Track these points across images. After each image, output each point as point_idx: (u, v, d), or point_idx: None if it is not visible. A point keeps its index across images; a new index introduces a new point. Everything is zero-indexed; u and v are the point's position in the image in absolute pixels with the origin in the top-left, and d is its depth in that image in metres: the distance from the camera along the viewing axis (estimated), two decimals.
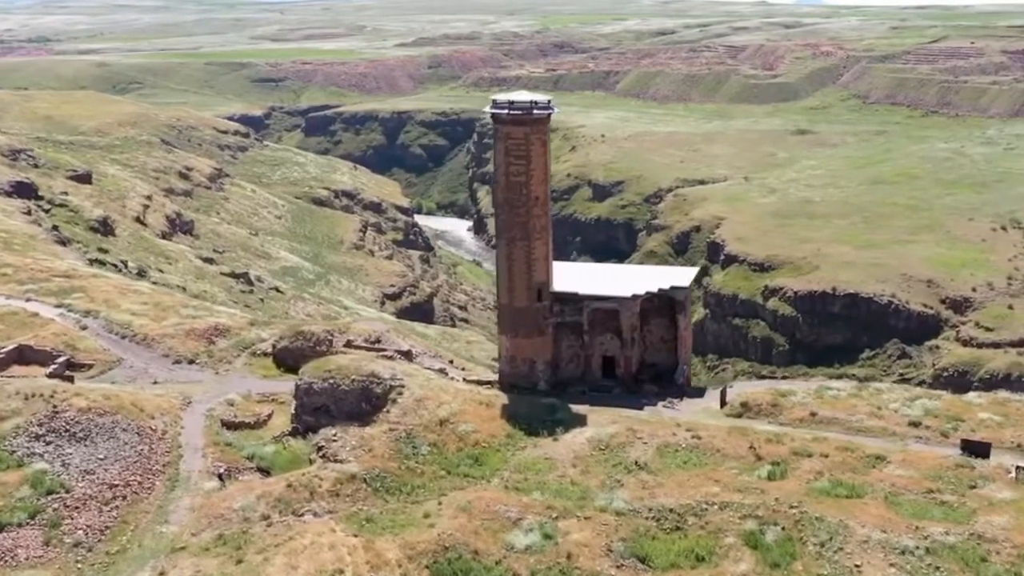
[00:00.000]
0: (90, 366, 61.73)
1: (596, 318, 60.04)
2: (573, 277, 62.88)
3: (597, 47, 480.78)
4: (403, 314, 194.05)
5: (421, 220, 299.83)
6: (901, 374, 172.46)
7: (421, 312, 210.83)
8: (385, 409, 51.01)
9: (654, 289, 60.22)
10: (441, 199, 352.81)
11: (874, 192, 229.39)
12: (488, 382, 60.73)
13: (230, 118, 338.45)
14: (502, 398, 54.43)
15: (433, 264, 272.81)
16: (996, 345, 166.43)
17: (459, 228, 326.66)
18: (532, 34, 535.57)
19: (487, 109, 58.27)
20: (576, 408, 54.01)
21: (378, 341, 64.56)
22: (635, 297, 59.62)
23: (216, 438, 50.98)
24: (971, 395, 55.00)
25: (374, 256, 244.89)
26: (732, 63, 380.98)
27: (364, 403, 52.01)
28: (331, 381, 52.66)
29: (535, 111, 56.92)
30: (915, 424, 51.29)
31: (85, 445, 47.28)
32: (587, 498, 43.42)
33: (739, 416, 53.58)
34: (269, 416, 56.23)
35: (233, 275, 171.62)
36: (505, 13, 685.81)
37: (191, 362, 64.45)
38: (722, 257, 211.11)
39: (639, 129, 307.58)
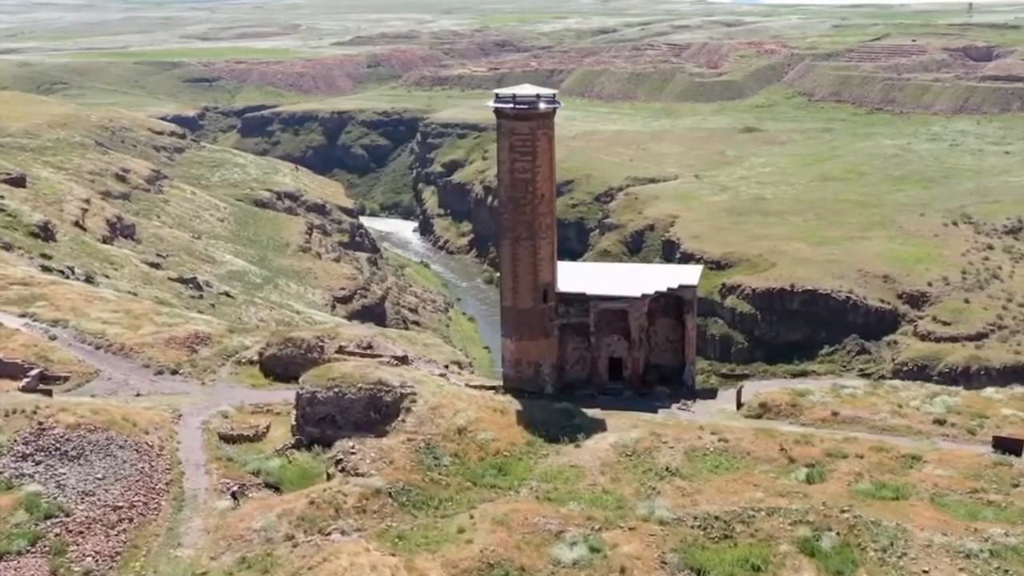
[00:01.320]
0: (66, 378, 58.30)
1: (603, 319, 58.54)
2: (575, 277, 61.23)
3: (539, 46, 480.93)
4: (355, 317, 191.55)
5: (365, 222, 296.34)
6: (861, 369, 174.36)
7: (373, 315, 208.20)
8: (400, 418, 48.80)
9: (663, 288, 58.93)
10: (385, 200, 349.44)
11: (825, 189, 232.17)
12: (491, 387, 58.76)
13: (163, 119, 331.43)
14: (515, 404, 52.62)
15: (381, 266, 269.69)
16: (954, 339, 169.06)
17: (404, 229, 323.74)
18: (472, 33, 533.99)
19: (490, 104, 56.36)
20: (590, 413, 52.30)
21: (370, 347, 62.23)
22: (645, 297, 58.21)
23: (217, 453, 48.25)
24: (989, 391, 54.72)
25: (321, 259, 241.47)
26: (676, 61, 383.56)
27: (373, 412, 49.76)
28: (336, 390, 50.28)
29: (542, 105, 55.11)
30: (940, 422, 50.71)
31: (79, 464, 44.18)
32: (624, 507, 41.79)
33: (758, 417, 52.49)
34: (267, 428, 53.51)
35: (181, 280, 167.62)
36: (442, 12, 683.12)
37: (174, 372, 61.38)
38: (678, 255, 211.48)
39: (586, 128, 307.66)
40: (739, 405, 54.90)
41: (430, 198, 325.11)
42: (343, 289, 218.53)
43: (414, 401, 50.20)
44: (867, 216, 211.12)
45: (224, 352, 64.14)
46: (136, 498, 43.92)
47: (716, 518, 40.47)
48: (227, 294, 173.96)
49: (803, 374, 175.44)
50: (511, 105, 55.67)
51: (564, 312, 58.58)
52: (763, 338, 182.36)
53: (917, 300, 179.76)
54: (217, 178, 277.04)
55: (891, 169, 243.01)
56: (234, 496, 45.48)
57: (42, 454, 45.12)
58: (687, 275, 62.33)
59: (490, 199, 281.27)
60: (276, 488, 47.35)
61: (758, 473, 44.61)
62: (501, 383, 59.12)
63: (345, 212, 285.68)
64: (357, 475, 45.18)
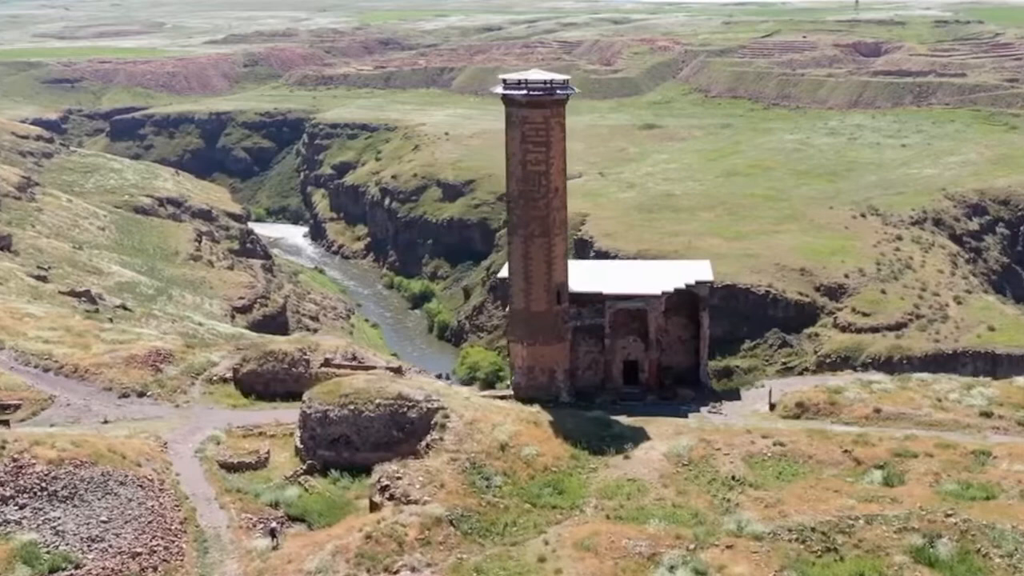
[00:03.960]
0: (17, 406, 51.77)
1: (619, 320, 55.64)
2: (584, 276, 58.04)
3: (424, 43, 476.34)
4: (256, 327, 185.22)
5: (253, 227, 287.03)
6: (784, 363, 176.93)
7: (275, 324, 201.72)
8: (434, 436, 44.73)
9: (681, 285, 56.35)
10: (271, 205, 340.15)
11: (732, 184, 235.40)
12: (502, 396, 55.04)
13: (22, 122, 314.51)
14: (544, 415, 48.99)
15: (276, 274, 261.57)
16: (874, 330, 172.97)
17: (294, 235, 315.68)
18: (353, 31, 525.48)
19: (497, 90, 52.50)
20: (625, 421, 49.20)
21: (354, 357, 57.63)
22: (664, 295, 55.49)
23: (226, 485, 43.19)
24: (1020, 380, 53.94)
25: (214, 267, 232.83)
26: (569, 59, 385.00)
27: (395, 430, 45.74)
28: (351, 407, 46.02)
29: (557, 91, 51.63)
30: (987, 415, 49.80)
31: (75, 505, 38.59)
32: (704, 522, 39.02)
33: (797, 418, 50.68)
34: (268, 453, 48.40)
35: (73, 293, 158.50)
36: (317, 10, 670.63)
37: (141, 395, 55.77)
38: (592, 253, 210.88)
39: (484, 126, 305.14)
40: (771, 406, 52.73)
41: (321, 201, 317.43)
42: (242, 298, 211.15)
43: (447, 416, 46.28)
44: (777, 210, 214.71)
45: (191, 370, 58.68)
46: (154, 541, 38.60)
47: (812, 530, 38.11)
48: (124, 307, 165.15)
49: (727, 370, 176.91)
50: (523, 91, 52.00)
51: (575, 314, 55.32)
52: None
53: (835, 292, 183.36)
54: (92, 184, 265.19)
55: (794, 163, 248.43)
56: (272, 534, 40.41)
57: (25, 496, 39.26)
58: (699, 271, 59.98)
59: (387, 201, 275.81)
60: (301, 520, 42.44)
61: (831, 478, 42.37)
62: (511, 392, 55.51)
63: (233, 218, 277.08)
64: (409, 502, 40.91)
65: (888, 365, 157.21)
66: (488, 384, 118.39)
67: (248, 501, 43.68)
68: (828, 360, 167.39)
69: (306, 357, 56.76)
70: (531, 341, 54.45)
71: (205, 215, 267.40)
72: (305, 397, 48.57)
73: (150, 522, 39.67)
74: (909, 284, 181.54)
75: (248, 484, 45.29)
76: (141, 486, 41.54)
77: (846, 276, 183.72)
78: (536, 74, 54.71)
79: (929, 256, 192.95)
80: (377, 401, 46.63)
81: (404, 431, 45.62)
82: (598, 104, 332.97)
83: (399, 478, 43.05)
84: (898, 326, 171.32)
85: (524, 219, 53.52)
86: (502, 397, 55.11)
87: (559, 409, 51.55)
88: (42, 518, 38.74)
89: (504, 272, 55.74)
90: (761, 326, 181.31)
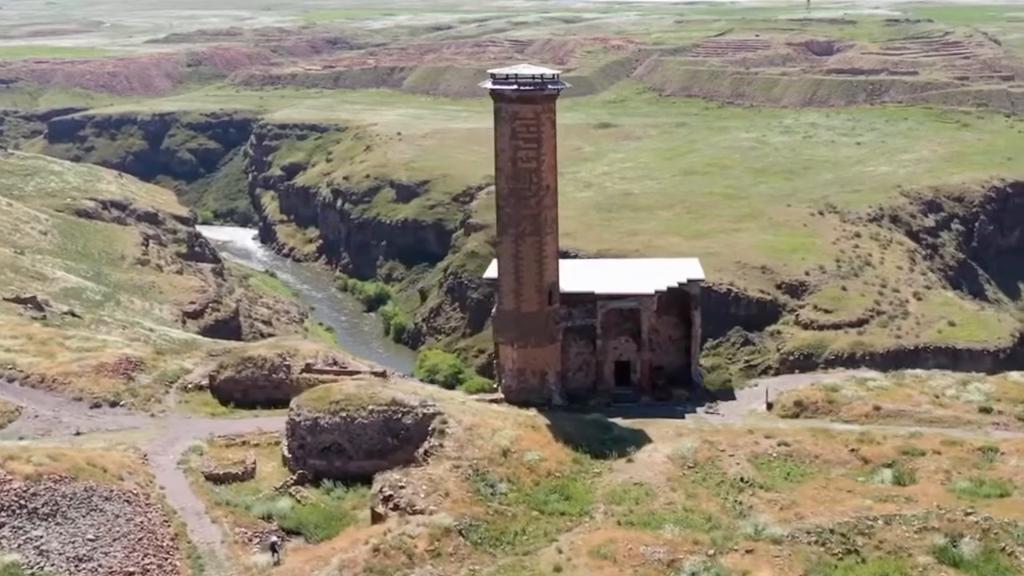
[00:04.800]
0: None
1: (610, 320, 54.74)
2: (572, 276, 57.07)
3: (373, 43, 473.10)
4: (208, 332, 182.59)
5: (200, 230, 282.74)
6: (747, 361, 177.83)
7: (228, 330, 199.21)
8: (432, 442, 43.39)
9: (674, 284, 55.61)
10: (218, 207, 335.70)
11: (690, 183, 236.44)
12: (492, 400, 53.84)
13: None
14: (542, 418, 47.97)
15: (227, 278, 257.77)
16: (836, 326, 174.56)
17: (243, 238, 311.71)
18: (299, 30, 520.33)
19: (486, 85, 51.31)
20: (622, 423, 48.29)
21: (335, 362, 56.04)
22: (657, 294, 54.70)
23: (215, 498, 41.43)
24: (1015, 375, 54.05)
25: (163, 271, 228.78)
26: (521, 57, 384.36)
27: (389, 437, 44.48)
28: (343, 414, 44.64)
29: (548, 86, 50.57)
30: (986, 410, 49.64)
31: (58, 523, 36.67)
32: (720, 527, 38.29)
33: (796, 417, 50.35)
34: (255, 463, 46.64)
35: (19, 300, 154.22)
36: (261, 8, 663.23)
37: (114, 404, 53.61)
38: None
39: (437, 126, 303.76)
40: (769, 406, 52.19)
41: (270, 203, 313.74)
42: (192, 303, 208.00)
43: (445, 422, 45.04)
44: (736, 208, 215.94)
45: (164, 378, 56.69)
46: (146, 560, 36.77)
47: (831, 531, 37.54)
48: (72, 313, 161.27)
49: None
50: (514, 87, 50.88)
51: (567, 314, 54.31)
52: None
53: (796, 290, 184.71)
54: (32, 187, 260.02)
55: (751, 162, 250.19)
56: (273, 548, 38.70)
57: (3, 514, 37.16)
58: (690, 269, 59.35)
59: (339, 202, 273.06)
60: (297, 533, 40.82)
61: (839, 478, 41.84)
62: (502, 395, 54.33)
63: (180, 221, 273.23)
64: (415, 512, 39.49)
65: (851, 362, 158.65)
66: (448, 387, 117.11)
67: (240, 514, 41.93)
68: (791, 357, 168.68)
69: (286, 363, 54.99)
70: (522, 343, 53.42)
71: (151, 218, 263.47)
72: (293, 404, 46.84)
73: (140, 539, 37.78)
74: (869, 281, 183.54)
75: (236, 496, 43.55)
76: (127, 501, 39.62)
77: (807, 273, 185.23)
78: (525, 68, 53.65)
79: (888, 253, 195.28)
80: (370, 407, 45.16)
81: (399, 438, 44.24)
82: None
83: (402, 487, 41.62)
84: (860, 323, 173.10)
85: (515, 218, 52.51)
86: (493, 401, 53.97)
87: (554, 412, 50.58)
88: (23, 537, 36.67)
89: (491, 272, 54.54)
90: (723, 325, 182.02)
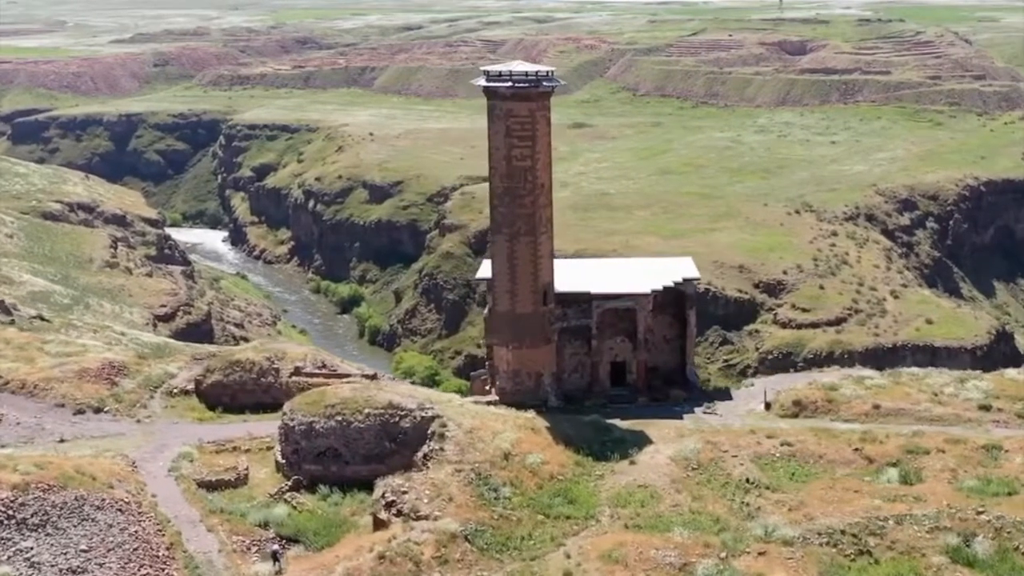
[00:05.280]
0: None
1: (606, 320, 54.11)
2: (566, 275, 56.39)
3: (343, 43, 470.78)
4: (180, 336, 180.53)
5: (169, 232, 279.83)
6: (725, 360, 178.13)
7: (200, 333, 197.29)
8: (432, 446, 42.52)
9: (670, 283, 55.10)
10: (187, 209, 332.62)
11: (666, 182, 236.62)
12: (487, 402, 53.08)
13: None
14: (541, 420, 47.28)
15: (198, 280, 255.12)
16: (814, 325, 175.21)
17: (213, 240, 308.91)
18: (268, 30, 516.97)
19: (479, 82, 50.53)
20: (621, 425, 47.73)
21: (324, 365, 55.07)
22: (653, 293, 54.15)
23: (210, 506, 40.27)
24: (1012, 372, 54.03)
25: (133, 274, 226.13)
26: (494, 57, 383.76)
27: (387, 441, 43.58)
28: (339, 418, 43.70)
29: (543, 83, 49.91)
30: (986, 408, 49.48)
31: (48, 534, 35.54)
32: (729, 529, 37.70)
33: (795, 416, 50.00)
34: (247, 469, 45.59)
35: None
36: (229, 8, 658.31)
37: (98, 411, 52.30)
38: None
39: (409, 126, 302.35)
40: (767, 405, 51.81)
41: (240, 205, 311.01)
42: (163, 306, 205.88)
43: (445, 425, 44.21)
44: (713, 208, 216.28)
45: (149, 382, 55.47)
46: (142, 571, 35.72)
47: (842, 532, 37.18)
48: (41, 317, 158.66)
49: None
50: (508, 84, 50.08)
51: (562, 315, 53.64)
52: None
53: (774, 289, 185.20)
54: None
55: (726, 161, 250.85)
56: (275, 557, 37.73)
57: None
58: (684, 268, 58.79)
59: (311, 203, 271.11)
60: (296, 541, 39.84)
61: (845, 477, 41.48)
62: (497, 397, 53.57)
63: (149, 223, 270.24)
64: (419, 518, 38.63)
65: (830, 360, 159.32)
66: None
67: (236, 522, 40.93)
68: (770, 356, 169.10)
69: (275, 366, 53.93)
70: (517, 344, 52.73)
71: (119, 220, 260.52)
72: (286, 408, 45.79)
73: (135, 549, 36.70)
74: (847, 279, 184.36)
75: (231, 504, 42.47)
76: (120, 510, 38.50)
77: (784, 273, 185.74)
78: (518, 65, 53.01)
79: (864, 251, 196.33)
80: (366, 411, 44.25)
81: (396, 442, 43.41)
82: None
83: (405, 492, 40.78)
84: (838, 321, 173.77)
85: (509, 217, 51.84)
86: (488, 403, 53.24)
87: (552, 414, 49.99)
88: (13, 549, 35.46)
89: (483, 272, 53.77)
90: (702, 324, 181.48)
